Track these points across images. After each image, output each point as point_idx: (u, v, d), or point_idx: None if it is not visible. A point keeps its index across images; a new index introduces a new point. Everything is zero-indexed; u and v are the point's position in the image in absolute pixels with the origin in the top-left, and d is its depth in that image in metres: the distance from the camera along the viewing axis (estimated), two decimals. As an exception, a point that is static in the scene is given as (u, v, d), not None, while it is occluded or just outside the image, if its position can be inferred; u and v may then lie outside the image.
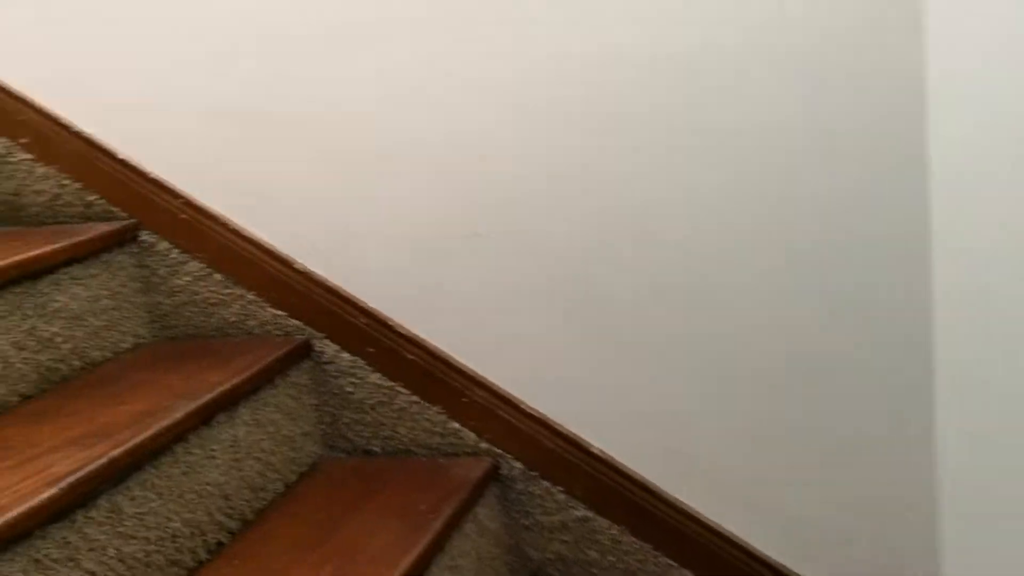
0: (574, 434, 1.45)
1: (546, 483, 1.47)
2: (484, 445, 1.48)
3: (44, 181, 1.62)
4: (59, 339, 1.44)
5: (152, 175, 1.56)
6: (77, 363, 1.47)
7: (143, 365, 1.49)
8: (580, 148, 1.35)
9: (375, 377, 1.51)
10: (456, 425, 1.49)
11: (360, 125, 1.45)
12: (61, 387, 1.41)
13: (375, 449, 1.54)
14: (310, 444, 1.53)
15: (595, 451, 1.44)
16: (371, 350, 1.50)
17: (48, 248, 1.43)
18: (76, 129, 1.58)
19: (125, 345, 1.56)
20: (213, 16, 1.49)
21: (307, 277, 1.51)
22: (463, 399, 1.48)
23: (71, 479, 1.09)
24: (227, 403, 1.36)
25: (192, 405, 1.29)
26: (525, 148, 1.38)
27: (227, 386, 1.36)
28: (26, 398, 1.38)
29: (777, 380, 1.34)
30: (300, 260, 1.52)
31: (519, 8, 1.34)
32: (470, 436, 1.49)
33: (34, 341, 1.40)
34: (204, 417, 1.31)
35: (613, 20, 1.30)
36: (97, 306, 1.51)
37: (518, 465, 1.47)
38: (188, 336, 1.60)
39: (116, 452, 1.16)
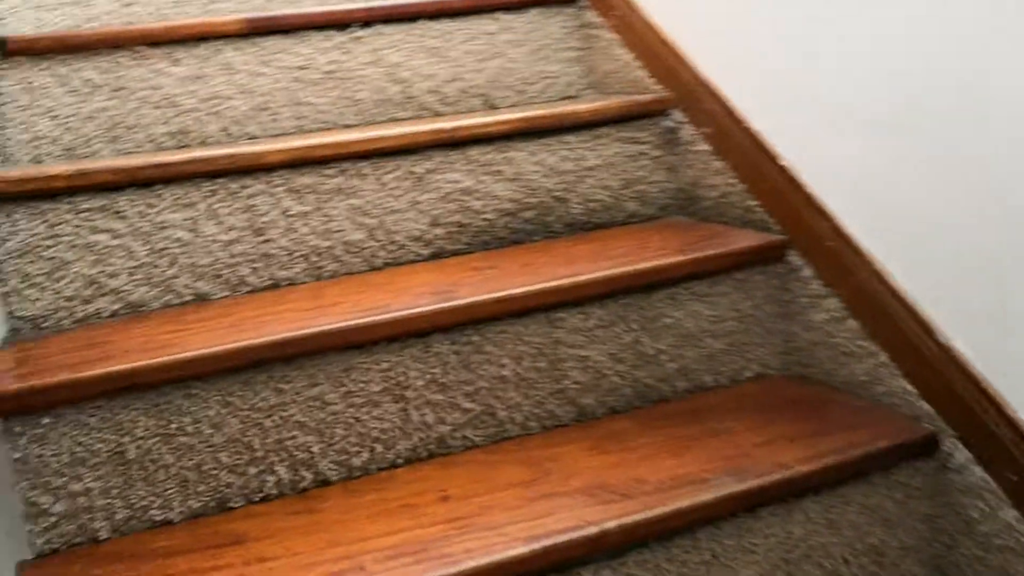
0: None
1: None
2: None
3: (716, 176, 1.50)
4: (664, 357, 1.34)
5: (807, 189, 1.33)
6: (682, 385, 1.36)
7: (747, 405, 1.31)
8: None
9: (1010, 514, 1.09)
10: (1110, 628, 1.00)
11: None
12: (651, 409, 1.32)
13: (994, 605, 1.13)
14: (909, 562, 1.19)
15: None
16: (1012, 477, 1.08)
17: (668, 261, 1.32)
18: (747, 125, 1.42)
19: (747, 373, 1.39)
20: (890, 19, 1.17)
21: (947, 354, 1.14)
22: None
23: (548, 542, 1.01)
24: (788, 493, 1.11)
25: (736, 487, 1.09)
26: None
27: (793, 472, 1.11)
28: (613, 411, 1.32)
29: None
30: (943, 332, 1.15)
31: None
32: None
33: (634, 355, 1.32)
34: (748, 504, 1.09)
35: None
36: (719, 327, 1.37)
37: None
38: (815, 380, 1.36)
39: (611, 525, 1.03)
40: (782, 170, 1.36)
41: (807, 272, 1.34)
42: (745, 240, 1.38)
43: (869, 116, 1.22)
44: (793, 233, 1.36)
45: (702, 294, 1.35)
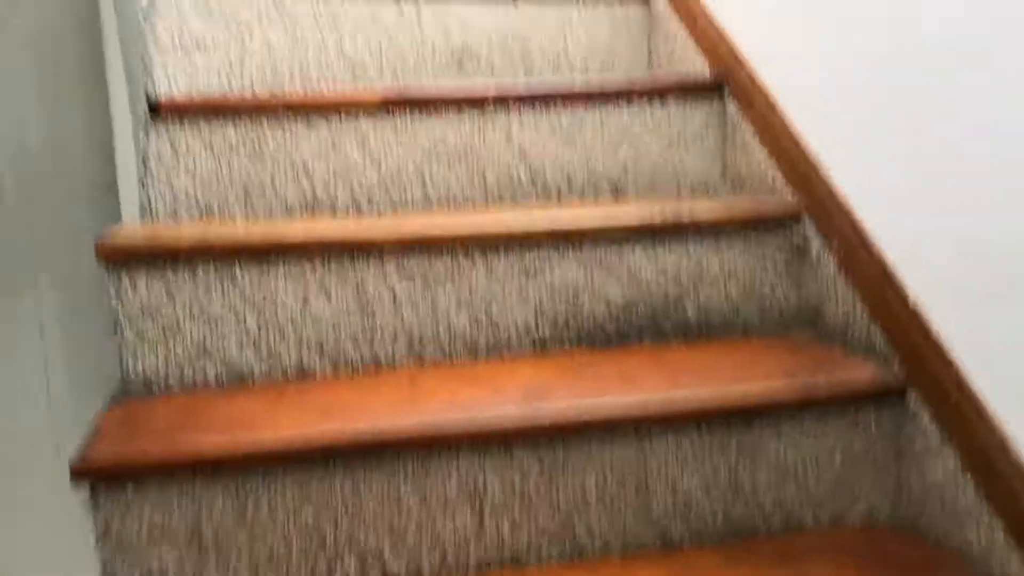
0: None
1: None
2: None
3: (841, 297, 1.42)
4: (761, 490, 1.27)
5: (932, 330, 1.23)
6: (778, 521, 1.28)
7: (843, 555, 1.22)
8: None
9: None
10: None
11: None
12: (740, 543, 1.25)
13: None
14: None
15: None
16: None
17: (775, 389, 1.25)
18: (876, 250, 1.34)
19: (850, 518, 1.30)
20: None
21: (1069, 543, 1.03)
22: None
23: None
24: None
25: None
26: None
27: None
28: (700, 541, 1.26)
29: None
30: (1067, 516, 1.04)
31: None
32: None
33: (728, 486, 1.26)
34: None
35: None
36: (825, 464, 1.29)
37: None
38: (924, 538, 1.25)
39: None
40: (908, 305, 1.27)
41: (925, 418, 1.24)
42: (862, 372, 1.29)
43: (1010, 271, 1.12)
44: (914, 373, 1.26)
45: (809, 427, 1.28)
